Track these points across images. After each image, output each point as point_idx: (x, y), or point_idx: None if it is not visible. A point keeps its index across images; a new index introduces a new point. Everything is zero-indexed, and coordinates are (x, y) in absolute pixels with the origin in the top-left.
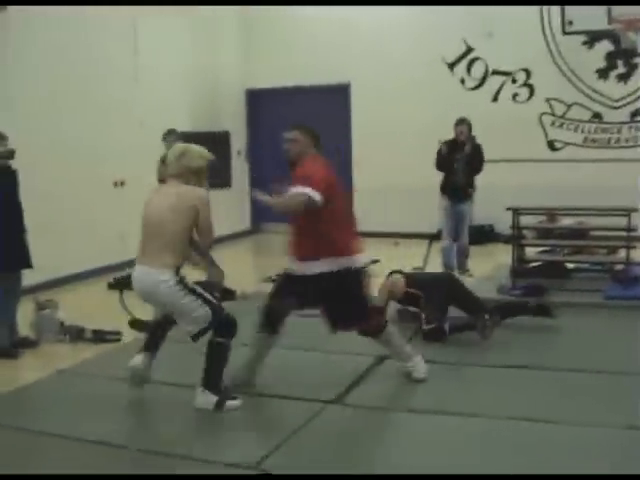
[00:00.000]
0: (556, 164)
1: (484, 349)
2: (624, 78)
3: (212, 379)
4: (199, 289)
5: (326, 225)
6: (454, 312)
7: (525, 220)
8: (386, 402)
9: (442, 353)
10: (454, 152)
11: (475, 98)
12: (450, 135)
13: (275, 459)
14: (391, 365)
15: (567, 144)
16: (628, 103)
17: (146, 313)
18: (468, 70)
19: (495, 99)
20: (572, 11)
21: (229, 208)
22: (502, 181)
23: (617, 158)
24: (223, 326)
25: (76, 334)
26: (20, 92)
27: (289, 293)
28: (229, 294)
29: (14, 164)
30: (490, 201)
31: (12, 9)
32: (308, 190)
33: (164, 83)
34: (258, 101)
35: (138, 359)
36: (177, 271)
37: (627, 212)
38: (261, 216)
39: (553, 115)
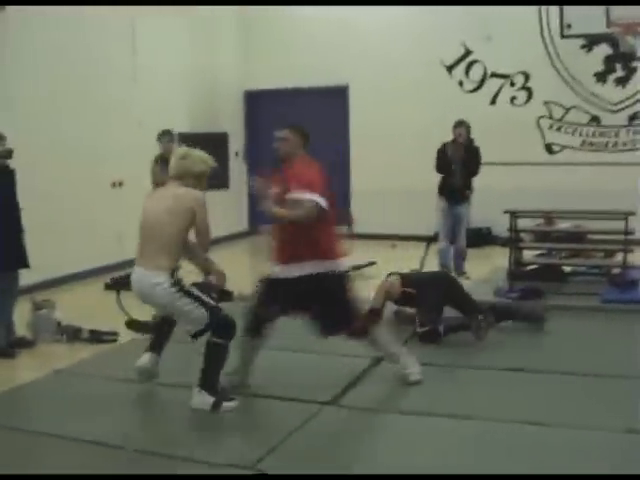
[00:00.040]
0: (554, 167)
1: (480, 351)
2: (622, 82)
3: (209, 380)
4: (196, 291)
5: (312, 229)
6: (448, 312)
7: (522, 223)
8: (382, 404)
9: (438, 355)
10: (453, 154)
11: (473, 101)
12: (448, 137)
13: (271, 460)
14: (387, 367)
15: (565, 147)
16: (626, 107)
17: (143, 314)
18: (466, 73)
19: (493, 102)
20: (571, 14)
21: (226, 209)
22: (500, 184)
23: (615, 162)
24: (221, 327)
25: (73, 334)
26: (19, 92)
27: (272, 298)
28: (226, 295)
29: (12, 164)
30: (488, 204)
31: (11, 9)
32: (316, 197)
33: (162, 83)
34: (256, 102)
35: (144, 358)
36: (172, 273)
37: (624, 215)
38: (259, 218)
39: (551, 118)
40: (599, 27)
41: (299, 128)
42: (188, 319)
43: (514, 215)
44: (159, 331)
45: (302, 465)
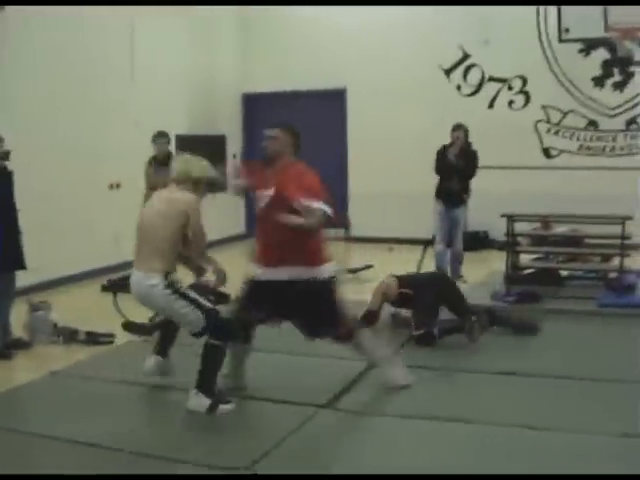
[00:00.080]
0: (551, 171)
1: (477, 354)
2: (620, 86)
3: (206, 382)
4: (192, 294)
5: (301, 232)
6: (443, 315)
7: (519, 227)
8: (378, 407)
9: (433, 358)
10: (451, 157)
11: (471, 104)
12: (446, 141)
13: (267, 463)
14: None
15: (562, 152)
16: (624, 111)
17: (139, 316)
18: (464, 76)
19: (491, 106)
20: (568, 19)
21: (224, 212)
22: (497, 187)
23: (612, 166)
24: (218, 329)
25: (69, 336)
26: (17, 92)
27: (255, 302)
28: (223, 297)
29: (10, 165)
30: (485, 207)
31: (10, 9)
32: (324, 205)
33: (161, 84)
34: (254, 105)
35: (150, 362)
36: (166, 276)
37: (621, 220)
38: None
39: (549, 122)
40: (597, 32)
41: (290, 129)
42: (185, 322)
43: (511, 219)
44: (164, 334)
45: (297, 468)
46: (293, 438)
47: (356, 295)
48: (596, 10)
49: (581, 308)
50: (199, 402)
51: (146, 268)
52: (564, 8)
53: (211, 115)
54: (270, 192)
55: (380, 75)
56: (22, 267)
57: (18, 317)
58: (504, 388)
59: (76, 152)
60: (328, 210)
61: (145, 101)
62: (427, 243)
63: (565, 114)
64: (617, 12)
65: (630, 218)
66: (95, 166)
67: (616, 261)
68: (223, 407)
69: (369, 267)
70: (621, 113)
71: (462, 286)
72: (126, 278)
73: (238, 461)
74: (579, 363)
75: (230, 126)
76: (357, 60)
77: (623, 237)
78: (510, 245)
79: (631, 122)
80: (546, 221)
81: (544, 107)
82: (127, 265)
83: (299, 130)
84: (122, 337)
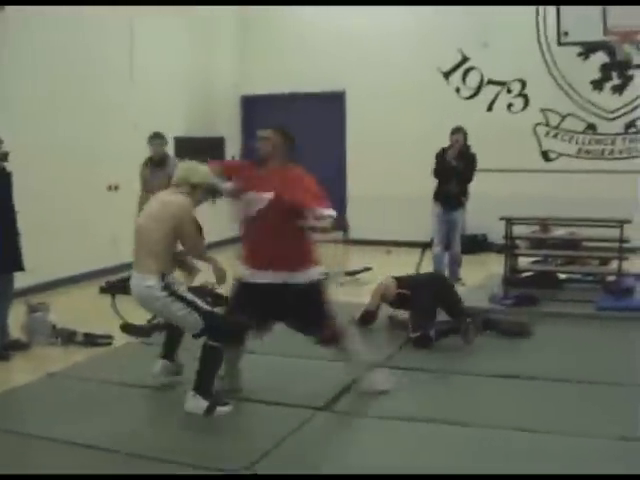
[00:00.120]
0: (550, 174)
1: (474, 357)
2: (619, 90)
3: (204, 383)
4: (189, 296)
5: (297, 236)
6: (439, 317)
7: (518, 230)
8: (376, 410)
9: (430, 360)
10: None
11: (470, 107)
12: (445, 144)
13: (265, 465)
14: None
15: (561, 155)
16: (622, 114)
17: (138, 317)
18: (463, 79)
19: (490, 109)
20: (567, 22)
21: (220, 214)
22: (496, 191)
23: (611, 169)
24: (217, 331)
25: (67, 337)
26: (17, 93)
27: (245, 305)
28: (219, 299)
29: (8, 166)
30: (483, 210)
31: (10, 9)
32: (332, 211)
33: (160, 84)
34: (253, 107)
35: (157, 367)
36: (163, 277)
37: (620, 223)
38: None
39: (547, 125)
40: (596, 35)
41: (283, 131)
42: (183, 323)
43: (510, 222)
44: (169, 337)
45: (296, 469)
46: (291, 440)
47: (354, 297)
48: (595, 13)
49: (579, 311)
50: (197, 404)
51: (143, 270)
52: (563, 11)
53: (209, 117)
54: (269, 195)
55: (379, 78)
56: (20, 268)
57: (16, 318)
58: (502, 391)
59: (75, 153)
60: (334, 214)
61: (144, 103)
62: (425, 246)
63: (564, 117)
64: (616, 15)
65: (629, 221)
66: (93, 167)
67: (614, 264)
68: (221, 409)
69: (367, 269)
70: (620, 116)
71: (460, 289)
72: (124, 280)
73: (236, 462)
74: (577, 366)
75: (229, 128)
76: (356, 62)
77: (621, 240)
78: (508, 248)
79: (630, 125)
80: (544, 224)
81: (543, 110)
82: (125, 267)
83: (297, 132)
84: (120, 339)
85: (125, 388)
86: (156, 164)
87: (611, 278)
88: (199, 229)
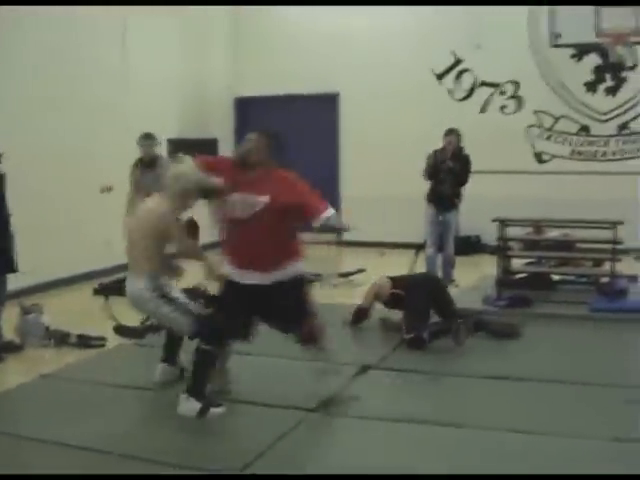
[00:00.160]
0: (543, 176)
1: (467, 358)
2: (612, 91)
3: (197, 386)
4: (181, 298)
5: (289, 235)
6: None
7: (511, 231)
8: (370, 411)
9: (423, 361)
10: (442, 162)
11: (463, 109)
12: (438, 145)
13: (259, 466)
14: (375, 375)
15: (554, 156)
16: (615, 116)
17: (131, 319)
18: (456, 81)
19: (483, 110)
20: (560, 24)
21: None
22: (489, 192)
23: (604, 171)
24: (209, 333)
25: (61, 339)
26: (8, 93)
27: (234, 306)
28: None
29: (2, 168)
30: (477, 212)
31: (2, 9)
32: (331, 211)
33: (153, 86)
34: (246, 109)
35: (159, 371)
36: (154, 278)
37: (613, 225)
38: None
39: (541, 127)
40: (589, 37)
41: (268, 135)
42: (174, 325)
43: (503, 223)
44: (169, 341)
45: (290, 470)
46: (285, 441)
47: (348, 299)
48: (588, 15)
49: (573, 312)
50: (190, 406)
51: (136, 271)
52: (556, 13)
53: (203, 118)
54: (265, 199)
55: (372, 80)
56: (13, 270)
57: (9, 320)
58: (496, 392)
59: (68, 154)
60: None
61: (137, 104)
62: (419, 247)
63: (557, 119)
64: (609, 18)
65: (621, 223)
66: (87, 168)
67: (608, 266)
68: (214, 411)
69: (361, 271)
70: (613, 118)
71: (454, 290)
72: (118, 281)
73: (230, 464)
74: (571, 367)
75: (222, 130)
76: (350, 65)
77: (615, 242)
78: (502, 249)
79: (623, 127)
80: (538, 226)
81: (536, 112)
82: (119, 268)
83: (291, 134)
84: (113, 340)
85: (118, 389)
86: (146, 165)
87: (605, 279)
88: (195, 230)
